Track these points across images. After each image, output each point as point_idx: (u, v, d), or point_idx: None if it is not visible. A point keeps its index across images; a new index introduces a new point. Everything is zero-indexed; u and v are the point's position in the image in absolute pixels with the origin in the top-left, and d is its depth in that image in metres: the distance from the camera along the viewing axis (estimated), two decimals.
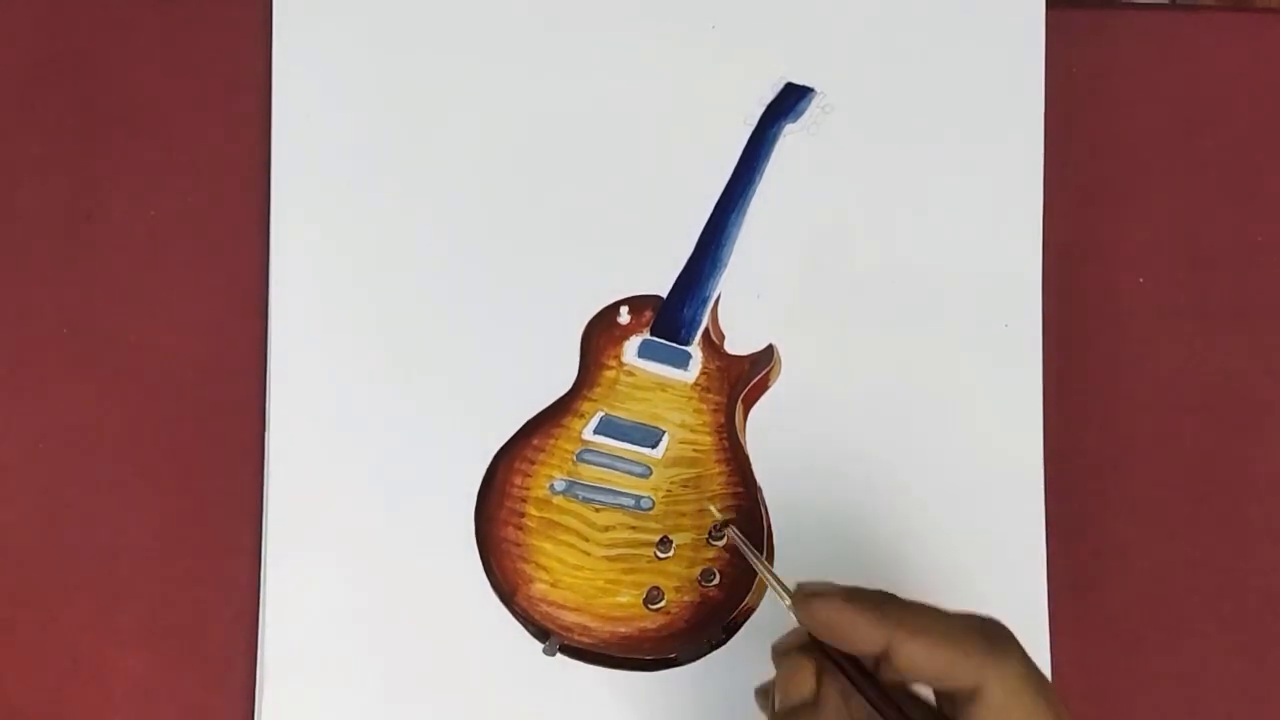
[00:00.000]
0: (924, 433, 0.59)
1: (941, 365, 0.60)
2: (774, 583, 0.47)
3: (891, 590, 0.47)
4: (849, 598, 0.43)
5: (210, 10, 0.61)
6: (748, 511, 0.58)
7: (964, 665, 0.41)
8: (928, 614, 0.43)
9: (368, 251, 0.60)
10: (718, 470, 0.59)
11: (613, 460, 0.59)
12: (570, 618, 0.57)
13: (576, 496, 0.58)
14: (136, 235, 0.60)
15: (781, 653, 0.45)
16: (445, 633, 0.57)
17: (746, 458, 0.59)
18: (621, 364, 0.59)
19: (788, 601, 0.45)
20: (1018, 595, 0.58)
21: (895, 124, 0.61)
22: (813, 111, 0.61)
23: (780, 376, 0.60)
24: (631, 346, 0.60)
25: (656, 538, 0.58)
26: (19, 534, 0.59)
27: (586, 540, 0.58)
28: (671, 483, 0.58)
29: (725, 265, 0.60)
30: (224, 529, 0.59)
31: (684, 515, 0.58)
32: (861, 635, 0.42)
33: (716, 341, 0.60)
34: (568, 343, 0.59)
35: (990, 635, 0.42)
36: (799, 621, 0.45)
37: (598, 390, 0.59)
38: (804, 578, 0.46)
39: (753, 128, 0.61)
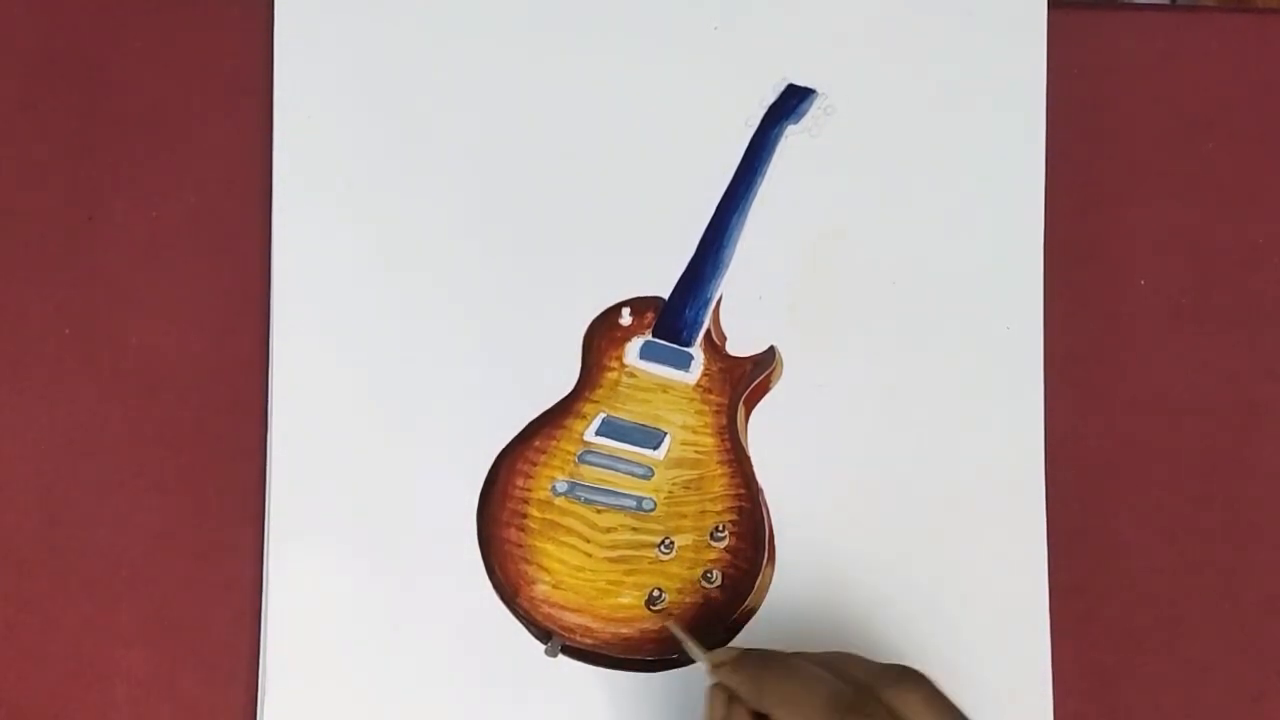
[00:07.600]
0: (925, 434, 0.59)
1: (942, 366, 0.60)
2: (693, 648, 0.54)
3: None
4: (735, 665, 0.50)
5: (211, 10, 0.61)
6: (749, 513, 0.58)
7: None
8: (795, 680, 0.48)
9: (369, 252, 0.60)
10: (719, 471, 0.59)
11: (614, 461, 0.59)
12: (572, 619, 0.57)
13: (578, 498, 0.58)
14: (137, 235, 0.60)
15: (709, 681, 0.52)
16: (447, 634, 0.57)
17: (748, 459, 0.59)
18: (623, 365, 0.59)
19: (705, 666, 0.52)
20: (1018, 595, 0.59)
21: (897, 125, 0.61)
22: (814, 113, 0.61)
23: (782, 378, 0.60)
24: (633, 348, 0.60)
25: (658, 539, 0.58)
26: (19, 534, 0.58)
27: (588, 541, 0.58)
28: (673, 484, 0.58)
29: (727, 267, 0.60)
30: (225, 528, 0.59)
31: (685, 516, 0.58)
32: (745, 695, 0.49)
33: (718, 343, 0.60)
34: (569, 344, 0.59)
35: (840, 706, 0.46)
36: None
37: (599, 391, 0.59)
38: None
39: (754, 129, 0.61)
